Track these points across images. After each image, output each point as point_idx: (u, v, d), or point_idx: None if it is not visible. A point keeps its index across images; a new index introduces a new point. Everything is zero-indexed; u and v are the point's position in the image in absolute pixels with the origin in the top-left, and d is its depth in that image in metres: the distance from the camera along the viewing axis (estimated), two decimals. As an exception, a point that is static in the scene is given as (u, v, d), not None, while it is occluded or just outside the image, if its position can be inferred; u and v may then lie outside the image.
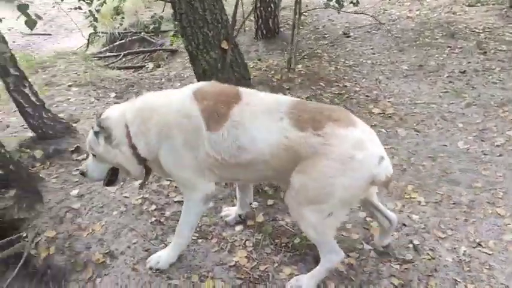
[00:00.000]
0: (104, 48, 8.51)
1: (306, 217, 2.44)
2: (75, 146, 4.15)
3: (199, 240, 3.13)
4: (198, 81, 3.55)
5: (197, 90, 2.55)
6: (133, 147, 2.57)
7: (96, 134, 2.60)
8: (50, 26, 13.76)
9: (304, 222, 2.48)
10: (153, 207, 3.45)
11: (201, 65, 3.29)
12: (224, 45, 3.17)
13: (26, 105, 4.00)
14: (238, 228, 3.22)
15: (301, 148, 2.34)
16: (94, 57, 7.36)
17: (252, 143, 2.41)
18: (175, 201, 3.50)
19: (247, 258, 2.95)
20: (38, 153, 4.07)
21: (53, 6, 5.84)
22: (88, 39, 8.64)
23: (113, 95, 5.42)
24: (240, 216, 3.22)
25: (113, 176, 2.83)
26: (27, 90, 3.98)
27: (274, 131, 2.39)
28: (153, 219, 3.34)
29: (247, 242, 3.09)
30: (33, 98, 4.02)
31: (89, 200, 3.54)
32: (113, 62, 7.38)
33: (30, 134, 4.51)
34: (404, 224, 3.30)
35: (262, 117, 2.43)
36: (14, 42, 12.63)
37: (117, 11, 6.83)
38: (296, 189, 2.40)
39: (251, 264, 2.91)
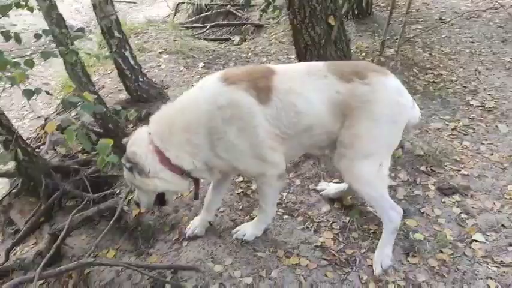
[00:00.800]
0: (190, 19, 8.64)
1: (362, 174, 2.44)
2: (167, 111, 4.25)
3: (285, 217, 3.12)
4: (298, 56, 3.48)
5: (223, 75, 2.39)
6: (176, 168, 2.42)
7: (131, 169, 2.42)
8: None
9: (360, 180, 2.48)
10: (240, 178, 3.47)
11: (304, 40, 3.21)
12: (331, 20, 3.07)
13: (125, 68, 4.15)
14: (325, 209, 3.16)
15: (352, 99, 2.33)
16: (182, 27, 7.48)
17: (308, 104, 2.34)
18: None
19: (333, 240, 2.89)
20: (131, 115, 4.23)
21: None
22: (175, 9, 8.80)
23: (201, 65, 5.50)
24: (209, 222, 3.02)
25: (163, 198, 2.67)
26: (127, 53, 4.12)
27: (324, 89, 2.35)
28: (240, 190, 3.37)
29: (333, 224, 3.03)
30: (132, 61, 4.16)
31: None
32: (200, 33, 7.49)
33: (123, 96, 4.71)
34: (503, 225, 3.07)
35: (307, 79, 2.37)
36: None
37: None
38: (348, 144, 2.39)
39: (337, 246, 2.85)
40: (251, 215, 3.13)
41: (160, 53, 5.76)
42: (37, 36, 2.80)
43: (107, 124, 3.64)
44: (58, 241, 3.03)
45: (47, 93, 2.49)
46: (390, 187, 2.99)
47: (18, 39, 2.83)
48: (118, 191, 3.54)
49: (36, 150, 3.97)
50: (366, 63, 2.58)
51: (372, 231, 2.95)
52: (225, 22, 8.03)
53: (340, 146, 2.42)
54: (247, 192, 3.34)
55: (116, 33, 4.01)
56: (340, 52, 3.28)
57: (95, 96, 2.60)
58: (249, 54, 5.93)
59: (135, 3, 13.53)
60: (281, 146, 2.44)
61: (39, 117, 7.25)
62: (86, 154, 3.99)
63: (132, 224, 3.29)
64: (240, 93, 2.25)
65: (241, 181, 3.44)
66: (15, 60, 2.49)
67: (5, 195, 4.10)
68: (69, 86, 2.31)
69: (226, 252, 2.84)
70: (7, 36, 2.83)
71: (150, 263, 2.83)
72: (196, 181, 2.65)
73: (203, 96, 2.36)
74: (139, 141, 2.44)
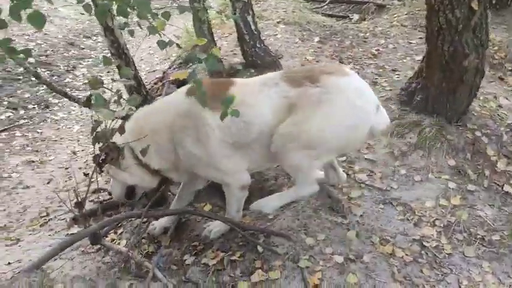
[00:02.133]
0: (310, -7, 8.55)
1: (295, 160, 2.46)
2: (278, 80, 4.28)
3: (384, 205, 3.01)
4: (427, 40, 3.27)
5: (189, 88, 2.41)
6: (145, 165, 2.57)
7: None
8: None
9: (290, 163, 2.52)
10: (343, 157, 3.40)
11: (439, 22, 3.00)
12: (474, 4, 2.81)
13: (245, 32, 4.23)
14: (429, 204, 3.00)
15: (301, 101, 2.35)
16: (301, -1, 7.43)
17: (257, 114, 2.41)
18: (365, 158, 3.40)
19: (434, 238, 2.75)
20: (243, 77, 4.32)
21: None
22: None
23: (316, 39, 5.43)
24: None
25: (132, 192, 2.81)
26: (249, 18, 4.19)
27: (274, 96, 2.41)
28: (343, 168, 3.30)
29: (437, 221, 2.87)
30: (252, 27, 4.23)
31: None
32: (318, 7, 7.38)
33: (237, 59, 4.82)
34: None
35: (260, 90, 2.44)
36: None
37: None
38: (295, 137, 2.37)
39: (438, 245, 2.70)
40: (349, 195, 3.07)
41: (277, 22, 5.78)
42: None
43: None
44: (163, 186, 3.24)
45: (178, 46, 2.61)
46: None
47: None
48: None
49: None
50: (329, 64, 2.50)
51: (479, 236, 2.75)
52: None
53: (281, 136, 2.41)
54: (349, 173, 3.27)
55: (242, -3, 4.09)
56: (477, 40, 3.00)
57: (216, 54, 2.67)
58: (367, 34, 5.72)
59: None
60: (237, 156, 2.53)
61: (154, 71, 7.75)
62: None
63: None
64: (197, 105, 2.27)
65: (344, 160, 3.37)
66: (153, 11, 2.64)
67: (113, 133, 4.46)
68: (201, 40, 2.38)
69: (320, 227, 2.82)
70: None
71: (245, 223, 2.91)
72: (165, 180, 2.79)
73: (170, 104, 2.60)
74: (118, 135, 2.55)
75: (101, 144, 2.49)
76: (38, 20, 1.69)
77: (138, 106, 2.60)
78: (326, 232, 2.79)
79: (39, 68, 8.19)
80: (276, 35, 5.40)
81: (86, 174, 2.52)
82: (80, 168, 4.82)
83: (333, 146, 2.48)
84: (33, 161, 5.44)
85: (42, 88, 7.78)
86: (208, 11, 3.32)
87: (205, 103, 2.15)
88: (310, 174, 2.61)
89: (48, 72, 8.28)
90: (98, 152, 2.51)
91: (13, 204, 4.46)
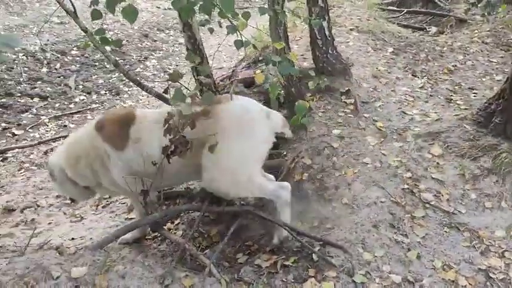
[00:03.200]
0: (386, 1, 8.32)
1: (232, 188, 2.74)
2: (346, 89, 4.21)
3: (449, 229, 2.87)
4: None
5: (98, 121, 2.93)
6: (74, 183, 3.05)
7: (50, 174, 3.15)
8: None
9: (233, 193, 2.82)
10: (408, 174, 3.28)
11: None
12: None
13: (319, 37, 4.18)
14: (500, 233, 2.82)
15: (199, 135, 2.53)
16: (377, 7, 7.25)
17: (154, 150, 2.69)
18: (433, 177, 3.25)
19: (501, 270, 2.58)
20: (312, 84, 4.27)
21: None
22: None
23: (390, 49, 5.27)
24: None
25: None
26: (325, 24, 4.14)
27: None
28: (405, 186, 3.19)
29: (506, 252, 2.70)
30: (327, 32, 4.17)
31: (348, 144, 3.59)
32: (393, 17, 7.16)
33: (306, 64, 4.78)
34: None
35: (155, 127, 2.69)
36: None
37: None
38: (213, 167, 2.67)
39: (504, 276, 2.53)
40: (413, 214, 2.96)
41: (350, 29, 5.68)
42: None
43: (290, 88, 3.75)
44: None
45: (254, 47, 2.63)
46: None
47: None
48: (285, 152, 3.66)
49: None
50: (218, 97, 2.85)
51: (554, 277, 2.55)
52: (422, 10, 7.53)
53: (206, 171, 2.71)
54: (413, 191, 3.15)
55: (320, 2, 4.05)
56: None
57: (289, 58, 2.67)
58: (444, 49, 5.47)
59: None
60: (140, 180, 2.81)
61: (221, 68, 7.87)
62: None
63: (291, 188, 3.39)
64: (100, 140, 2.81)
65: (410, 177, 3.25)
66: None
67: (184, 126, 4.56)
68: (279, 43, 2.39)
69: (379, 243, 2.74)
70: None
71: (303, 230, 2.88)
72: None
73: (86, 136, 2.95)
74: (57, 154, 3.15)
75: (172, 136, 2.55)
76: (132, 14, 1.77)
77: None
78: (385, 249, 2.71)
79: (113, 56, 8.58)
80: (348, 42, 5.31)
81: (154, 164, 2.59)
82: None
83: (249, 159, 2.74)
84: (101, 144, 5.68)
85: (114, 76, 8.17)
86: (290, 13, 3.32)
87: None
88: (260, 189, 2.81)
89: (122, 60, 8.64)
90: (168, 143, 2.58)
91: (79, 184, 4.70)
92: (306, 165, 3.45)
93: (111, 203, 4.34)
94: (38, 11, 10.13)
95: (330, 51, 4.25)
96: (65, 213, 4.20)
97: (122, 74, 8.70)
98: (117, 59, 8.54)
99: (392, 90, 4.37)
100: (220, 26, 2.60)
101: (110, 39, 2.58)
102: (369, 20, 5.97)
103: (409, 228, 2.85)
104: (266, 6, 2.95)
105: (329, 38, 4.21)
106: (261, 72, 4.74)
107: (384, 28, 5.83)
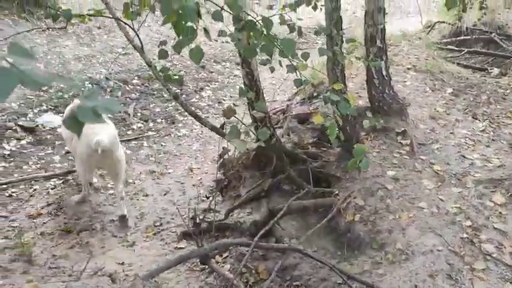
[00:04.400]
0: (445, 40, 8.18)
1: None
2: (403, 129, 4.12)
3: (509, 284, 2.68)
4: None
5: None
6: None
7: None
8: (388, 5, 14.20)
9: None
10: (468, 222, 3.12)
11: None
12: None
13: (375, 77, 4.16)
14: None
15: None
16: (436, 46, 7.14)
17: None
18: (495, 227, 3.08)
19: None
20: (367, 123, 4.22)
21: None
22: (431, 27, 8.43)
23: (449, 90, 5.15)
24: None
25: None
26: (382, 63, 4.12)
27: None
28: (465, 235, 3.03)
29: None
30: (384, 72, 4.15)
31: (403, 186, 3.49)
32: (452, 57, 7.01)
33: (361, 102, 4.74)
34: None
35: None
36: (354, 13, 13.72)
37: (482, 5, 6.36)
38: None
39: None
40: (472, 265, 2.79)
41: (408, 68, 5.61)
42: (317, 33, 3.03)
43: (345, 126, 3.73)
44: (275, 219, 3.27)
45: (313, 85, 2.66)
46: None
47: (300, 33, 3.10)
48: (337, 191, 3.61)
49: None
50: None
51: None
52: (484, 50, 7.33)
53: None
54: (473, 241, 2.98)
55: (378, 42, 4.05)
56: None
57: (348, 98, 2.66)
58: (508, 91, 5.28)
59: (386, 13, 13.51)
60: None
61: (274, 100, 7.98)
62: (314, 148, 4.18)
63: (342, 228, 3.33)
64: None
65: (469, 226, 3.09)
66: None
67: (238, 162, 4.63)
68: (338, 84, 2.41)
69: (435, 296, 2.61)
70: (292, 28, 3.13)
71: (353, 274, 2.80)
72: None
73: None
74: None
75: (226, 170, 2.60)
76: (198, 55, 1.86)
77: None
78: (442, 302, 2.57)
79: (170, 85, 8.95)
80: (405, 81, 5.23)
81: (207, 197, 2.64)
82: (193, 185, 5.07)
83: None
84: (154, 171, 5.87)
85: (171, 105, 8.47)
86: (349, 54, 3.35)
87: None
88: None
89: (179, 90, 8.96)
90: (221, 177, 2.63)
91: (133, 210, 4.84)
92: (358, 206, 3.38)
93: (162, 230, 4.43)
94: (106, 43, 10.76)
95: (386, 90, 4.21)
96: (116, 237, 4.32)
97: (178, 104, 8.98)
98: (174, 88, 8.88)
99: (451, 133, 4.23)
100: (281, 65, 2.65)
101: (173, 76, 2.69)
102: (427, 60, 5.87)
103: (468, 281, 2.69)
104: (325, 47, 2.98)
105: (386, 78, 4.18)
106: (316, 109, 4.79)
107: (443, 68, 5.71)
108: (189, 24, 1.92)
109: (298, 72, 2.54)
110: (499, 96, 5.15)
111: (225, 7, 2.33)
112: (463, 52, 7.13)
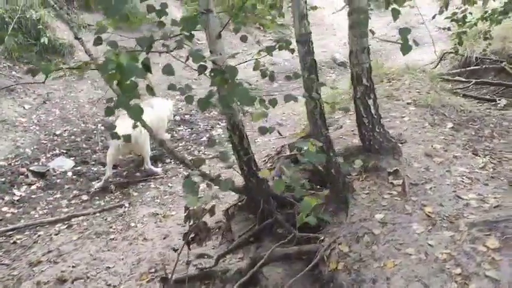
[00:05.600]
0: (454, 71, 8.04)
1: None
2: (394, 168, 3.99)
3: None
4: None
5: None
6: None
7: None
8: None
9: None
10: (458, 270, 2.94)
11: None
12: None
13: (364, 116, 4.08)
14: None
15: None
16: (441, 78, 7.00)
17: None
18: (486, 275, 2.88)
19: None
20: (358, 163, 4.12)
21: (422, 23, 5.68)
22: (441, 57, 8.31)
23: (449, 125, 4.98)
24: None
25: None
26: (370, 102, 4.05)
27: None
28: (454, 284, 2.85)
29: None
30: (373, 110, 4.06)
31: (391, 230, 3.34)
32: (460, 88, 6.84)
33: (356, 141, 4.65)
34: None
35: None
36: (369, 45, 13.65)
37: (486, 36, 6.24)
38: None
39: None
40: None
41: (408, 103, 5.49)
42: (288, 77, 3.01)
43: (329, 168, 3.64)
44: (255, 268, 3.18)
45: (279, 133, 2.62)
46: None
47: (272, 78, 3.10)
48: (322, 237, 3.49)
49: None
50: None
51: None
52: (493, 81, 7.13)
53: None
54: (462, 291, 2.80)
55: (364, 81, 3.99)
56: None
57: (320, 144, 2.60)
58: (512, 123, 5.08)
59: (399, 42, 13.47)
60: None
61: (283, 137, 7.96)
62: (304, 189, 4.08)
63: (325, 277, 3.19)
64: None
65: (459, 274, 2.90)
66: (263, 97, 2.73)
67: (232, 205, 4.57)
68: (312, 143, 2.38)
69: None
70: (264, 74, 3.14)
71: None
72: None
73: None
74: None
75: (192, 222, 2.56)
76: (206, 104, 1.96)
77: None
78: None
79: (182, 125, 9.13)
80: (404, 117, 5.11)
81: (175, 250, 2.60)
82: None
83: None
84: (157, 214, 5.88)
85: (181, 144, 8.56)
86: (323, 97, 3.31)
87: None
88: None
89: (189, 130, 9.06)
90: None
91: (131, 255, 4.83)
92: (342, 253, 3.24)
93: (156, 277, 4.37)
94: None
95: (377, 129, 4.11)
96: (110, 286, 4.29)
97: (187, 143, 9.01)
98: (185, 127, 8.96)
99: (447, 171, 4.06)
100: (244, 115, 2.63)
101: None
102: (428, 93, 5.74)
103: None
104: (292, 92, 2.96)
105: (375, 117, 4.09)
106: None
107: (445, 101, 5.56)
108: (132, 80, 1.94)
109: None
110: (503, 130, 4.95)
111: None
112: (471, 83, 6.96)
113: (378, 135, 4.13)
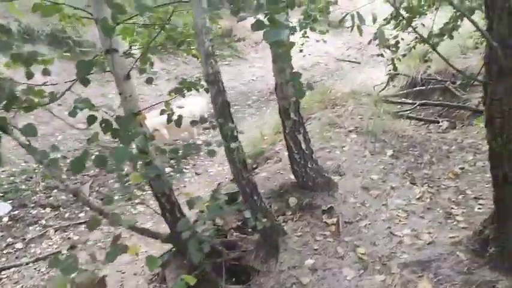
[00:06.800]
0: (401, 92, 8.03)
1: None
2: (329, 206, 3.81)
3: None
4: (494, 187, 2.61)
5: None
6: None
7: None
8: (361, 54, 14.33)
9: None
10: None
11: (503, 171, 2.38)
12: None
13: (295, 151, 3.91)
14: None
15: None
16: (387, 101, 6.95)
17: None
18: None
19: None
20: (292, 201, 3.93)
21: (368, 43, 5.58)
22: (388, 80, 8.29)
23: (389, 152, 4.86)
24: None
25: None
26: (300, 137, 3.87)
27: None
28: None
29: None
30: (303, 145, 3.89)
31: (320, 279, 3.12)
32: (405, 110, 6.78)
33: (292, 176, 4.46)
34: None
35: None
36: (326, 65, 13.72)
37: (425, 59, 6.24)
38: None
39: None
40: None
41: (349, 131, 5.36)
42: (193, 123, 2.80)
43: (254, 212, 3.40)
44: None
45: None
46: None
47: (178, 124, 2.88)
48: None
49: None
50: None
51: None
52: (436, 102, 7.12)
53: None
54: None
55: (293, 115, 3.82)
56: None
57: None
58: (453, 148, 5.00)
59: (359, 63, 13.67)
60: None
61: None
62: (236, 234, 3.85)
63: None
64: None
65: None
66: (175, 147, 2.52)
67: (166, 252, 4.27)
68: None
69: None
70: (169, 119, 2.92)
71: None
72: None
73: None
74: None
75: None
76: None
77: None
78: None
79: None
80: (344, 147, 4.97)
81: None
82: (135, 274, 4.72)
83: None
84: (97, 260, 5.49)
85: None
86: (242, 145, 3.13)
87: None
88: None
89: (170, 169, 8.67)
90: None
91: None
92: (268, 308, 3.00)
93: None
94: (67, 119, 10.58)
95: (309, 165, 3.93)
96: None
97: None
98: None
99: (383, 205, 3.91)
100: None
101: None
102: (371, 119, 5.64)
103: None
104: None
105: (307, 152, 3.91)
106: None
107: (387, 127, 5.46)
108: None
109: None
110: (443, 155, 4.86)
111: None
112: (416, 105, 6.92)
113: (311, 171, 3.94)
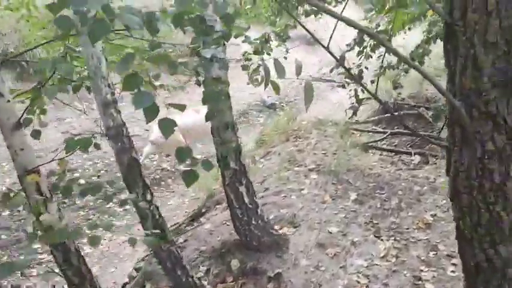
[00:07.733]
0: (372, 118, 7.52)
1: None
2: (276, 271, 3.21)
3: None
4: (464, 272, 2.04)
5: None
6: None
7: None
8: (336, 72, 13.89)
9: None
10: None
11: (475, 260, 1.82)
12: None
13: (236, 206, 3.32)
14: None
15: None
16: (355, 129, 6.42)
17: None
18: None
19: None
20: (235, 264, 3.33)
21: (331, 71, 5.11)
22: (355, 111, 7.75)
23: (353, 196, 4.29)
24: None
25: None
26: (242, 189, 3.28)
27: None
28: None
29: None
30: (246, 199, 3.30)
31: None
32: (376, 141, 6.26)
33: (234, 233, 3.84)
34: None
35: None
36: (301, 84, 13.26)
37: (395, 86, 5.76)
38: None
39: None
40: None
41: (310, 170, 4.79)
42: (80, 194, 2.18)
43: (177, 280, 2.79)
44: None
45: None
46: None
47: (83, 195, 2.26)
48: None
49: None
50: None
51: None
52: (408, 131, 6.60)
53: None
54: None
55: (232, 164, 3.23)
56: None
57: None
58: (424, 188, 4.45)
59: (334, 81, 13.22)
60: None
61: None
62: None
63: None
64: None
65: None
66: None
67: None
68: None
69: None
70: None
71: None
72: None
73: None
74: None
75: None
76: None
77: None
78: None
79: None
80: (302, 190, 4.39)
81: None
82: None
83: None
84: None
85: (83, 213, 7.42)
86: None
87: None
88: None
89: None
90: None
91: None
92: None
93: None
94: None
95: (253, 221, 3.34)
96: None
97: (89, 212, 7.92)
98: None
99: (341, 267, 3.32)
100: None
101: None
102: (335, 154, 5.09)
103: None
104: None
105: (251, 206, 3.32)
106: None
107: (351, 165, 4.90)
108: None
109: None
110: (413, 197, 4.31)
111: None
112: (387, 134, 6.41)
113: (256, 229, 3.35)
